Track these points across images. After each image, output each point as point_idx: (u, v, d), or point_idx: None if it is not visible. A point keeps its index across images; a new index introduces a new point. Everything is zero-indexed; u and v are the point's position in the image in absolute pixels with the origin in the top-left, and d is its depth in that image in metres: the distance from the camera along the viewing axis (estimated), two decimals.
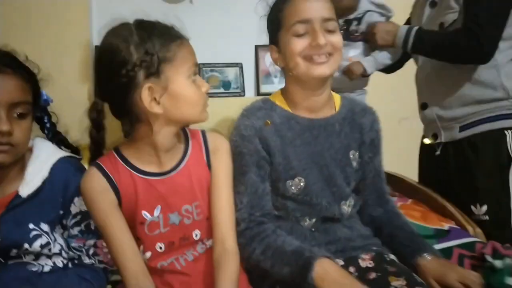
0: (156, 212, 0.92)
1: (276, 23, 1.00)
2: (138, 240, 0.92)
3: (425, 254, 0.97)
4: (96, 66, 0.88)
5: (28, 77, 0.90)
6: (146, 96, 0.84)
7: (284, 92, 1.07)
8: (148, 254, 0.93)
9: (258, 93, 2.91)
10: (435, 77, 1.44)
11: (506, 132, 1.34)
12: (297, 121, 1.03)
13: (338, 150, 1.04)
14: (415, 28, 1.39)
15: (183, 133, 0.99)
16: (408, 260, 0.98)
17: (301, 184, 1.01)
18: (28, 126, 0.90)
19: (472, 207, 1.40)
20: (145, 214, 0.91)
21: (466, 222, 1.40)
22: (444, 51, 1.34)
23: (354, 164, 1.07)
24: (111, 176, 0.90)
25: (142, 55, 0.82)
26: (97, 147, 0.91)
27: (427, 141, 1.54)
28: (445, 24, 1.37)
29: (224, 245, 0.93)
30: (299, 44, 0.96)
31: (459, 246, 1.23)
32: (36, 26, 2.62)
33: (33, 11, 2.66)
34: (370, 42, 1.55)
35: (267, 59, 3.00)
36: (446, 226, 1.38)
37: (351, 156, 1.06)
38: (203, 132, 1.01)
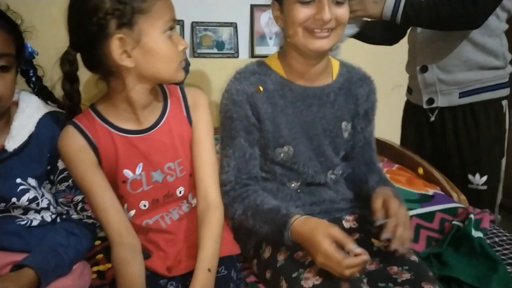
0: (138, 170, 0.91)
1: None
2: (121, 198, 0.92)
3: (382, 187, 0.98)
4: (68, 12, 0.83)
5: (10, 28, 0.86)
6: (116, 47, 0.81)
7: (281, 55, 1.04)
8: (132, 212, 0.94)
9: (252, 55, 2.85)
10: (438, 40, 1.40)
11: (502, 102, 1.41)
12: (291, 88, 1.01)
13: (330, 120, 1.03)
14: None
15: (161, 89, 0.97)
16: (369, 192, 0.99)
17: (290, 152, 1.01)
18: (11, 79, 0.87)
19: (470, 176, 1.44)
20: (127, 172, 0.91)
21: (451, 188, 1.43)
22: (438, 20, 1.28)
23: (346, 135, 1.06)
24: (89, 134, 0.88)
25: (115, 3, 0.79)
26: (72, 101, 0.88)
27: (425, 105, 1.50)
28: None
29: (207, 200, 0.94)
30: (302, 13, 0.90)
31: (442, 211, 1.27)
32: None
33: None
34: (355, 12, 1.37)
35: (262, 19, 2.94)
36: (430, 191, 1.41)
37: (343, 127, 1.05)
38: (182, 88, 0.99)
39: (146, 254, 0.93)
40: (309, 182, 1.04)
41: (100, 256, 1.08)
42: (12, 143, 0.88)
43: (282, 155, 1.01)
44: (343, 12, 0.92)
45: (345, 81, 1.05)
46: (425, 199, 1.35)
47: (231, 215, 0.97)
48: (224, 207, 0.97)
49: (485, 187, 1.42)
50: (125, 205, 0.93)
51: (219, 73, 2.55)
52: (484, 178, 1.41)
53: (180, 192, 0.96)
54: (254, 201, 0.95)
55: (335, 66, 1.06)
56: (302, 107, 1.01)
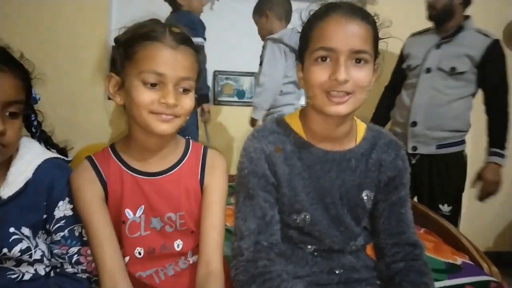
0: (139, 212, 0.90)
1: (304, 41, 0.90)
2: (120, 243, 0.89)
3: None
4: None
5: (23, 75, 0.85)
6: (110, 84, 0.88)
7: (302, 115, 0.97)
8: (127, 258, 0.90)
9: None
10: (430, 107, 1.90)
11: (464, 153, 1.96)
12: (309, 151, 0.93)
13: (350, 188, 0.94)
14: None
15: (186, 143, 0.98)
16: None
17: (307, 219, 0.93)
18: (19, 126, 0.85)
19: (440, 205, 1.93)
20: (128, 212, 0.89)
21: (481, 258, 1.32)
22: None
23: (368, 205, 0.96)
24: (100, 169, 0.90)
25: (118, 46, 0.87)
26: None
27: (410, 151, 1.93)
28: (457, 70, 1.85)
29: (209, 267, 0.89)
30: (319, 76, 0.84)
31: (472, 284, 1.15)
32: (55, 24, 2.62)
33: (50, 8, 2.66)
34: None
35: None
36: (459, 260, 1.29)
37: (365, 197, 0.96)
38: (205, 148, 0.99)
39: None
40: (327, 248, 0.95)
41: None
42: (7, 190, 0.84)
43: (298, 221, 0.93)
44: (362, 75, 0.84)
45: (369, 147, 0.96)
46: (453, 269, 1.23)
47: None
48: (238, 284, 0.88)
49: (449, 213, 1.91)
50: (122, 250, 0.89)
51: (239, 120, 2.55)
52: (450, 207, 1.92)
53: (178, 246, 0.92)
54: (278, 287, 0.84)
55: (361, 130, 0.98)
56: (320, 172, 0.93)
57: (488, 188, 1.88)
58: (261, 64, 2.24)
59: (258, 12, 2.30)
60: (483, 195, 1.91)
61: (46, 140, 0.99)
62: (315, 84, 0.85)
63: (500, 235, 3.05)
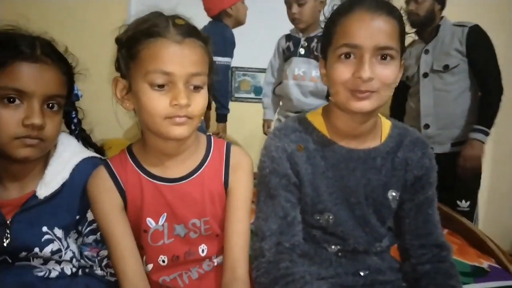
0: (161, 221, 0.87)
1: (327, 37, 0.88)
2: (141, 249, 0.88)
3: None
4: None
5: (66, 70, 0.85)
6: (117, 88, 0.83)
7: (325, 112, 0.96)
8: (150, 266, 0.89)
9: None
10: (437, 107, 2.03)
11: None
12: (333, 149, 0.92)
13: (375, 188, 0.92)
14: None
15: (207, 141, 0.93)
16: None
17: (330, 220, 0.91)
18: (59, 121, 0.85)
19: (458, 202, 2.00)
20: (150, 221, 0.87)
21: (508, 261, 1.29)
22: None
23: (394, 205, 0.94)
24: (118, 177, 0.86)
25: (120, 46, 0.82)
26: None
27: None
28: (450, 66, 1.98)
29: (235, 273, 0.86)
30: (342, 73, 0.83)
31: None
32: (75, 17, 2.64)
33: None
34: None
35: None
36: (485, 264, 1.27)
37: (390, 197, 0.94)
38: (228, 145, 0.94)
39: None
40: (352, 249, 0.94)
41: None
42: (44, 190, 0.84)
43: (321, 221, 0.92)
44: (388, 72, 0.82)
45: (395, 145, 0.94)
46: (479, 273, 1.21)
47: None
48: (260, 286, 0.87)
49: (468, 209, 2.00)
50: (144, 258, 0.88)
51: (256, 117, 2.54)
52: (468, 203, 1.99)
53: (203, 251, 0.90)
54: None
55: (386, 128, 0.96)
56: (344, 171, 0.91)
57: (468, 163, 1.95)
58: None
59: None
60: (464, 171, 1.97)
61: (84, 139, 0.98)
62: (338, 82, 0.83)
63: None
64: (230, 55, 2.19)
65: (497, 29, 2.44)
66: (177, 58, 0.77)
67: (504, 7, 2.78)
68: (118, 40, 0.82)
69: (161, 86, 0.78)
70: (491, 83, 1.96)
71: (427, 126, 2.04)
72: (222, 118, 2.31)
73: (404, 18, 0.88)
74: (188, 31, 0.80)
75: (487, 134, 1.94)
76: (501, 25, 2.72)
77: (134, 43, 0.78)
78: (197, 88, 0.81)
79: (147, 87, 0.78)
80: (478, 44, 1.96)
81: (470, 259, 1.29)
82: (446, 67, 1.99)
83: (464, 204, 2.00)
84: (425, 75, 2.05)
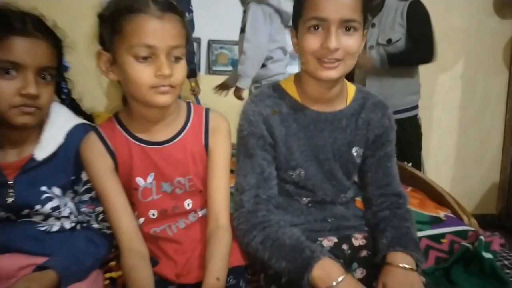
0: (149, 179, 0.96)
1: (298, 9, 0.96)
2: (132, 205, 0.97)
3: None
4: None
5: (55, 43, 0.92)
6: (101, 60, 0.89)
7: (296, 79, 1.05)
8: (142, 220, 0.98)
9: None
10: (381, 79, 2.20)
11: (417, 117, 2.29)
12: (304, 113, 1.02)
13: (341, 145, 1.04)
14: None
15: (187, 108, 1.02)
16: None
17: (301, 175, 1.03)
18: (52, 90, 0.92)
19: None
20: (139, 180, 0.96)
21: (462, 212, 1.44)
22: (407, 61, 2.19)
23: (358, 160, 1.06)
24: (108, 141, 0.94)
25: (103, 21, 0.87)
26: None
27: None
28: (393, 40, 2.13)
29: (218, 222, 0.97)
30: (311, 44, 0.91)
31: (452, 233, 1.27)
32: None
33: None
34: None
35: None
36: (441, 214, 1.42)
37: (354, 153, 1.05)
38: (207, 111, 1.03)
39: (154, 261, 0.97)
40: (320, 200, 1.06)
41: (113, 263, 1.09)
42: (42, 153, 0.93)
43: (294, 176, 1.03)
44: (352, 42, 0.91)
45: (359, 107, 1.05)
46: (435, 221, 1.36)
47: (247, 241, 0.96)
48: (240, 232, 0.98)
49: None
50: (135, 213, 0.98)
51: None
52: (410, 164, 2.10)
53: (188, 205, 1.00)
54: (276, 232, 0.93)
55: (351, 92, 1.06)
56: (314, 131, 1.02)
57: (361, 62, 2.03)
58: (243, 30, 2.17)
59: None
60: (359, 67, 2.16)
61: (74, 107, 1.06)
62: (308, 52, 0.92)
63: (483, 198, 3.23)
64: (187, 9, 2.21)
65: None
66: (159, 32, 0.84)
67: None
68: (100, 16, 0.88)
69: (144, 58, 0.84)
70: (420, 44, 2.10)
71: None
72: (192, 73, 2.41)
73: None
74: (168, 6, 0.86)
75: (383, 62, 2.12)
76: None
77: (117, 18, 0.84)
78: (177, 59, 0.88)
79: (131, 59, 0.84)
80: (415, 15, 2.10)
81: (429, 210, 1.44)
82: (389, 41, 2.14)
83: (406, 165, 2.14)
84: (371, 47, 2.19)
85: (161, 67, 0.84)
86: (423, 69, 2.29)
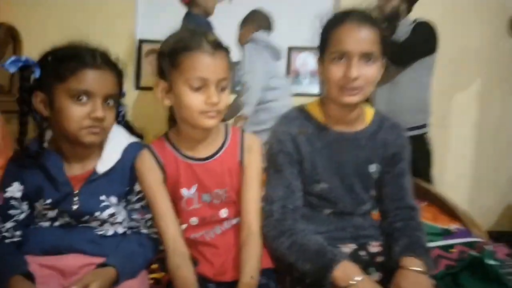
0: (192, 190, 1.10)
1: (323, 41, 1.09)
2: (177, 213, 1.11)
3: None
4: None
5: (118, 73, 1.08)
6: (158, 89, 1.05)
7: (321, 103, 1.18)
8: (184, 226, 1.12)
9: None
10: (391, 97, 2.24)
11: (425, 136, 2.33)
12: (327, 133, 1.15)
13: (360, 162, 1.16)
14: None
15: (225, 128, 1.16)
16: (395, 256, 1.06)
17: (324, 188, 1.15)
18: (114, 114, 1.09)
19: None
20: (184, 190, 1.10)
21: (473, 225, 1.54)
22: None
23: (375, 176, 1.18)
24: (159, 157, 1.10)
25: (163, 57, 1.03)
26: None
27: None
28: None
29: (250, 229, 1.10)
30: (335, 73, 1.04)
31: (462, 244, 1.36)
32: (84, 17, 2.82)
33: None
34: None
35: (298, 60, 3.16)
36: (453, 227, 1.51)
37: (372, 170, 1.17)
38: (242, 132, 1.17)
39: (195, 262, 1.10)
40: (340, 211, 1.18)
41: (155, 265, 1.24)
42: (103, 167, 1.08)
43: (317, 190, 1.16)
44: (371, 72, 1.04)
45: (377, 128, 1.17)
46: (447, 233, 1.45)
47: (276, 246, 1.08)
48: (270, 238, 1.09)
49: None
50: (179, 220, 1.12)
51: None
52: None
53: (223, 214, 1.14)
54: (302, 239, 1.05)
55: (369, 114, 1.19)
56: (336, 149, 1.15)
57: None
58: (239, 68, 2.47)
59: (246, 23, 2.56)
60: None
61: (129, 128, 1.21)
62: (332, 80, 1.07)
63: (501, 216, 3.23)
64: None
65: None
66: (211, 67, 1.00)
67: None
68: (161, 52, 1.04)
69: (198, 88, 1.00)
70: (422, 33, 2.16)
71: None
72: None
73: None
74: (218, 45, 1.02)
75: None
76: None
77: (176, 54, 1.00)
78: (223, 89, 1.04)
79: (187, 89, 1.00)
80: (420, 30, 2.18)
81: (441, 224, 1.53)
82: None
83: (421, 181, 2.19)
84: None
85: (211, 96, 1.00)
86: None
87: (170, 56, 1.02)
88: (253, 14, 2.60)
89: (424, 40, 2.18)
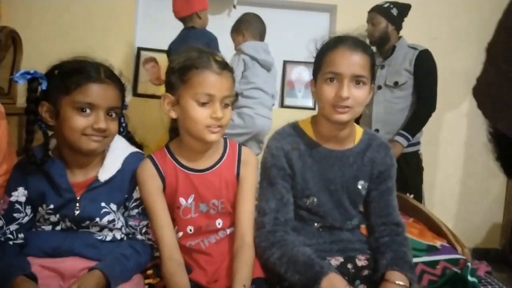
0: (190, 200, 1.15)
1: (318, 63, 1.16)
2: (174, 221, 1.16)
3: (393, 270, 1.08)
4: None
5: (121, 87, 1.14)
6: (165, 102, 1.12)
7: (313, 121, 1.25)
8: (180, 234, 1.17)
9: (282, 105, 3.14)
10: (386, 115, 2.43)
11: (418, 152, 2.51)
12: (318, 150, 1.21)
13: (349, 179, 1.22)
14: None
15: (224, 142, 1.22)
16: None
17: (314, 202, 1.21)
18: (116, 125, 1.14)
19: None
20: (182, 200, 1.15)
21: (456, 242, 1.60)
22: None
23: (363, 192, 1.24)
24: (159, 166, 1.15)
25: (174, 72, 1.10)
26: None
27: None
28: (399, 83, 2.38)
29: (244, 239, 1.15)
30: (327, 92, 1.11)
31: (445, 260, 1.42)
32: (84, 24, 2.88)
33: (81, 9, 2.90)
34: None
35: (293, 73, 3.24)
36: (438, 243, 1.57)
37: (360, 186, 1.23)
38: (239, 146, 1.24)
39: (189, 269, 1.14)
40: (330, 225, 1.24)
41: (150, 271, 1.28)
42: (104, 175, 1.13)
43: (307, 204, 1.21)
44: (360, 93, 1.11)
45: (365, 147, 1.23)
46: (432, 249, 1.51)
47: (267, 257, 1.12)
48: (261, 249, 1.14)
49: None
50: (176, 228, 1.17)
51: None
52: (412, 195, 2.16)
53: (219, 224, 1.19)
54: (291, 250, 1.09)
55: (359, 133, 1.25)
56: (326, 166, 1.21)
57: None
58: None
59: (236, 31, 2.59)
60: None
61: (129, 138, 1.27)
62: (325, 99, 1.13)
63: (488, 233, 3.30)
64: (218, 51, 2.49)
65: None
66: (218, 85, 1.08)
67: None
68: (171, 68, 1.11)
69: (204, 103, 1.07)
70: (426, 101, 2.36)
71: (377, 131, 2.40)
72: None
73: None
74: (225, 65, 1.11)
75: (408, 140, 2.34)
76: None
77: (186, 71, 1.08)
78: (226, 105, 1.11)
79: (194, 103, 1.07)
80: (423, 65, 2.35)
81: (427, 240, 1.59)
82: (396, 84, 2.38)
83: (409, 196, 2.26)
84: (379, 87, 2.43)
85: (216, 111, 1.08)
86: None
87: (180, 72, 1.09)
88: (247, 19, 2.59)
89: (434, 68, 2.38)
